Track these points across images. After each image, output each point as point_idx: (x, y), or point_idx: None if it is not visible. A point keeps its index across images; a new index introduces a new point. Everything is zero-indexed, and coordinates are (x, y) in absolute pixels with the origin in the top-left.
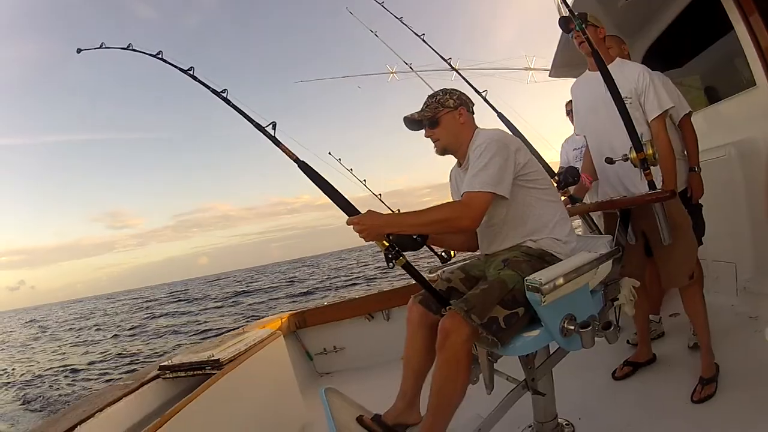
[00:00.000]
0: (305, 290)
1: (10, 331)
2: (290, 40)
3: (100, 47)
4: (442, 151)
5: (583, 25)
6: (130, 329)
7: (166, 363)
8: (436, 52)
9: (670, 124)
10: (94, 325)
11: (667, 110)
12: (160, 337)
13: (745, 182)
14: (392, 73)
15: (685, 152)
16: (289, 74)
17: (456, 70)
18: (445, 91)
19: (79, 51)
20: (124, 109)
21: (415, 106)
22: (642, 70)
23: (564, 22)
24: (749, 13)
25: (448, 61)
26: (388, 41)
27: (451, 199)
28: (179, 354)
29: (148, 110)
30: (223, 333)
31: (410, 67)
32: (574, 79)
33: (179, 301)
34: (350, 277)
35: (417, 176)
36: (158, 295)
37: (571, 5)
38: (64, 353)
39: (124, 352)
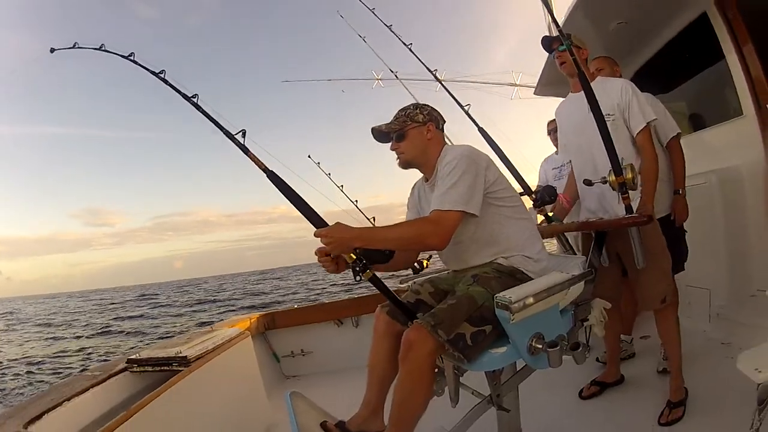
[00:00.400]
0: (269, 302)
1: None
2: (279, 41)
3: (73, 47)
4: (405, 165)
5: (571, 44)
6: (94, 328)
7: (133, 356)
8: (421, 62)
9: (657, 145)
10: (64, 322)
11: (650, 123)
12: (126, 336)
13: (724, 210)
14: (377, 79)
15: (671, 175)
16: (279, 75)
17: (440, 81)
18: (415, 106)
19: (52, 51)
20: (108, 105)
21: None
22: (624, 84)
23: (547, 42)
24: (743, 43)
25: (434, 72)
26: (378, 47)
27: (406, 212)
28: (147, 348)
29: (133, 108)
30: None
31: (395, 75)
32: (559, 99)
33: (145, 307)
34: (311, 292)
35: (396, 192)
36: (128, 298)
37: (561, 25)
38: (32, 347)
39: (84, 348)
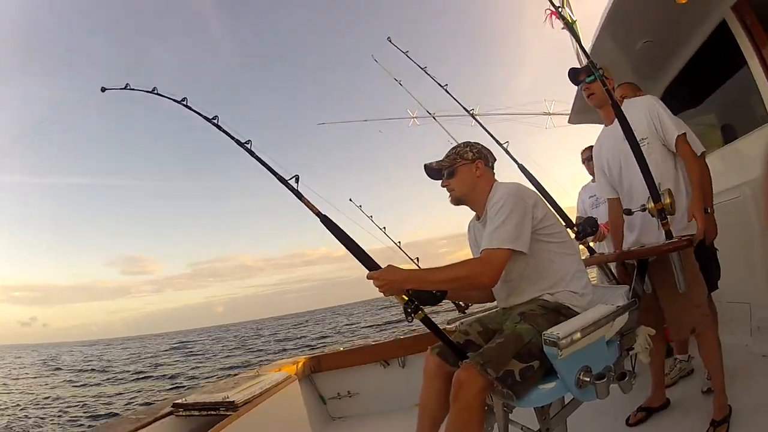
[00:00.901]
0: (300, 346)
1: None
2: (314, 85)
3: (125, 88)
4: (456, 202)
5: (602, 75)
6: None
7: (180, 401)
8: (458, 102)
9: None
10: (102, 368)
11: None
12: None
13: (758, 223)
14: (413, 118)
15: None
16: (314, 117)
17: (475, 118)
18: (466, 144)
19: (103, 90)
20: (147, 154)
21: (437, 151)
22: (648, 100)
23: (573, 74)
24: (762, 46)
25: (471, 112)
26: (413, 85)
27: (469, 251)
28: (194, 392)
29: (171, 156)
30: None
31: (433, 117)
32: (593, 125)
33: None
34: (347, 336)
35: (435, 226)
36: (164, 347)
37: (589, 52)
38: (58, 392)
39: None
